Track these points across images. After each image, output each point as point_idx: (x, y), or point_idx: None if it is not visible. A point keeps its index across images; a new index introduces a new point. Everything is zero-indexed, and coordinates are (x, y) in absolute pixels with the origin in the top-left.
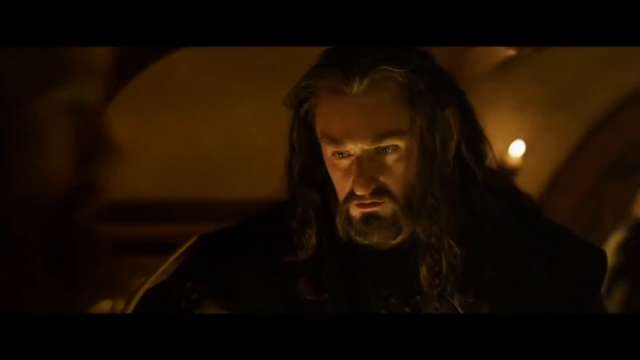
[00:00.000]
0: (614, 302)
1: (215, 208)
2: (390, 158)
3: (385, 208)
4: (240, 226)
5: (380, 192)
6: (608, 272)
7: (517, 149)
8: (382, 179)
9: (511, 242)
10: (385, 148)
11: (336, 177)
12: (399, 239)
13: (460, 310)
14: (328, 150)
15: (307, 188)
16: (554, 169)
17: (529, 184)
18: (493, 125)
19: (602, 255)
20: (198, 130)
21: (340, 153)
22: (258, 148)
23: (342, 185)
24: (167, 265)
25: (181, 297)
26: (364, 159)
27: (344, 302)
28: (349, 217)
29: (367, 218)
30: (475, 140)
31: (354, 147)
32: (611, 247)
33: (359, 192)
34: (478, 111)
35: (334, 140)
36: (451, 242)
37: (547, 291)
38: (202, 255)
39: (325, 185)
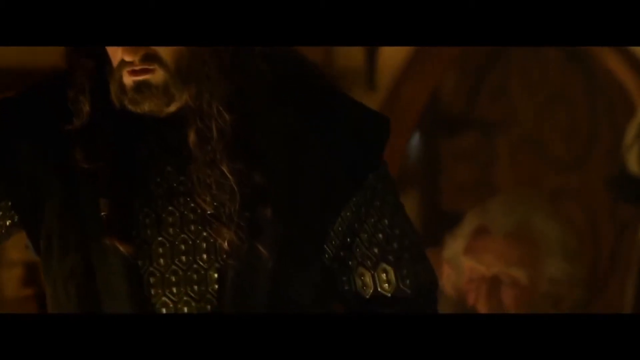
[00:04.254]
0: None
1: None
2: None
3: (157, 76)
4: (22, 96)
5: (150, 58)
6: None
7: None
8: None
9: (286, 111)
10: None
11: None
12: (172, 106)
13: (230, 177)
14: None
15: (81, 55)
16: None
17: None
18: None
19: (385, 121)
20: None
21: None
22: None
23: (115, 53)
24: None
25: None
26: None
27: (119, 171)
28: (122, 85)
29: (138, 86)
30: None
31: None
32: None
33: (127, 58)
34: None
35: None
36: (220, 108)
37: (323, 159)
38: None
39: (101, 53)
